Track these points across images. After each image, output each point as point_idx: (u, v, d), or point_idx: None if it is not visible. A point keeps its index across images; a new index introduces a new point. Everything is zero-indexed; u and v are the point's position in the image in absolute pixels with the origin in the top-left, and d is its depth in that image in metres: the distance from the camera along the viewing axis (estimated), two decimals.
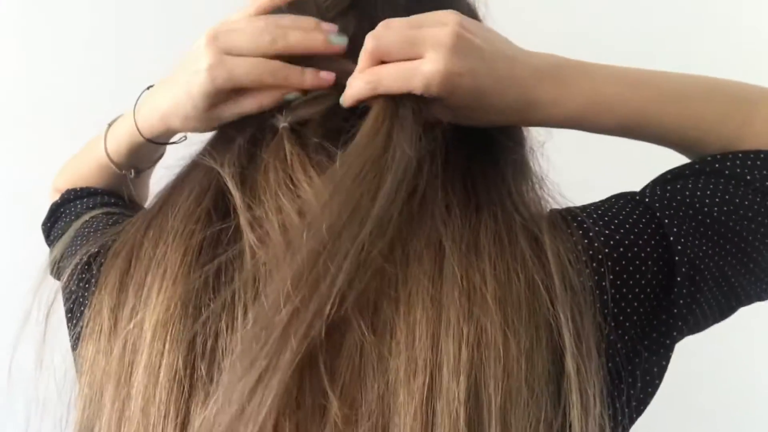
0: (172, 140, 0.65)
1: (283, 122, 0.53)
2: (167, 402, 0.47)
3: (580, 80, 0.54)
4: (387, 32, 0.51)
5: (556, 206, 0.55)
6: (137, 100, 0.63)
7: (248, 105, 0.54)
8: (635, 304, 0.49)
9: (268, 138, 0.54)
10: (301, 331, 0.43)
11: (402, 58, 0.50)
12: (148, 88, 0.63)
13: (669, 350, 0.52)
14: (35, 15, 1.24)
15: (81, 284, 0.56)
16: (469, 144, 0.55)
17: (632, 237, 0.50)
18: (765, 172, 0.53)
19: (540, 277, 0.47)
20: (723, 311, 0.54)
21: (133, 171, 0.69)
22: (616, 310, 0.49)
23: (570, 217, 0.52)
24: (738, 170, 0.53)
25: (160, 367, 0.47)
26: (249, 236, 0.49)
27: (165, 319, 0.48)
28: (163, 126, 0.59)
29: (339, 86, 0.54)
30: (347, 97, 0.53)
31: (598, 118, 0.54)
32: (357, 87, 0.52)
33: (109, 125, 0.68)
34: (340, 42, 0.53)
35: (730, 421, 1.35)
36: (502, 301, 0.46)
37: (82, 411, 0.51)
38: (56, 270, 0.60)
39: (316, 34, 0.53)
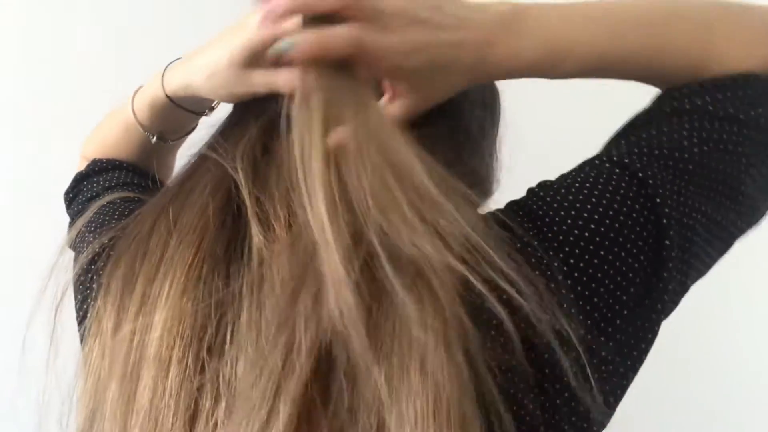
0: (190, 108, 0.63)
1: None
2: (177, 397, 0.46)
3: (535, 28, 0.52)
4: None
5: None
6: (169, 64, 0.62)
7: (282, 79, 0.52)
8: (624, 279, 0.48)
9: (284, 128, 0.51)
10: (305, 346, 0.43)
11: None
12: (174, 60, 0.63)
13: (668, 308, 0.50)
14: (35, 15, 1.25)
15: (89, 279, 0.56)
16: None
17: (619, 205, 0.48)
18: (731, 99, 0.52)
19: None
20: (721, 249, 0.53)
21: (155, 136, 0.68)
22: (597, 296, 0.47)
23: (515, 214, 0.50)
24: (707, 104, 0.51)
25: (169, 363, 0.47)
26: (256, 233, 0.48)
27: (174, 315, 0.48)
28: (185, 80, 0.58)
29: None
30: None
31: (557, 65, 0.53)
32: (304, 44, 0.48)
33: (140, 87, 0.67)
34: None
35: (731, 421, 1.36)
36: None
37: (85, 407, 0.50)
38: (75, 253, 0.60)
39: None
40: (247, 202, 0.49)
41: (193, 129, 0.70)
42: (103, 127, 0.74)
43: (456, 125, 0.59)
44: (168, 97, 0.62)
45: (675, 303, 0.51)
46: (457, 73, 0.52)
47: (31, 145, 1.24)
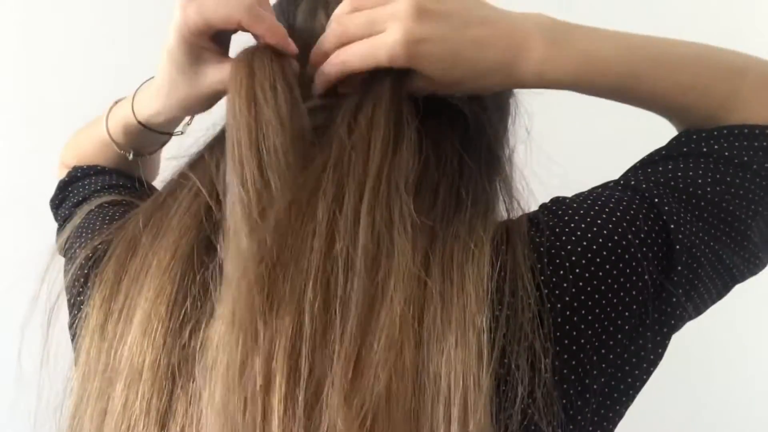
0: (163, 130, 0.64)
1: None
2: (149, 400, 0.47)
3: (573, 40, 0.53)
4: (349, 15, 0.52)
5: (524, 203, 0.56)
6: (140, 86, 0.63)
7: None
8: (628, 297, 0.49)
9: None
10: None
11: (364, 37, 0.51)
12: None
13: (666, 338, 0.51)
14: (35, 15, 1.24)
15: (78, 284, 0.56)
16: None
17: (629, 225, 0.50)
18: (748, 149, 0.54)
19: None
20: (720, 292, 0.54)
21: (131, 153, 0.68)
22: (598, 309, 0.48)
23: (532, 224, 0.51)
24: (724, 150, 0.53)
25: (143, 366, 0.47)
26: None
27: (148, 319, 0.48)
28: (153, 107, 0.59)
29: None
30: (319, 84, 0.54)
31: (592, 79, 0.54)
32: (326, 70, 0.53)
33: (115, 102, 0.67)
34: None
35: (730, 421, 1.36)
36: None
37: (74, 407, 0.51)
38: (65, 261, 0.61)
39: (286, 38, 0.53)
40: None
41: (168, 140, 0.70)
42: (80, 138, 0.74)
43: (456, 114, 0.59)
44: (140, 123, 0.62)
45: (674, 331, 0.52)
46: (482, 70, 0.52)
47: (31, 145, 1.23)
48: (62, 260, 0.61)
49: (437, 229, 0.49)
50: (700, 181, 0.52)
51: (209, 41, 0.53)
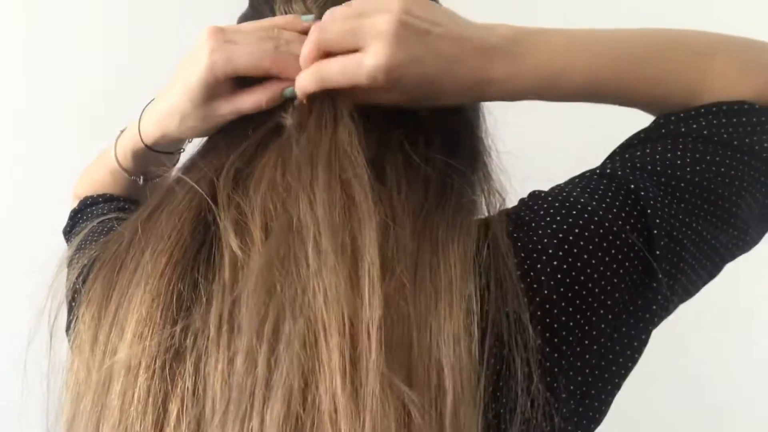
0: (171, 150, 0.66)
1: (289, 120, 0.54)
2: (144, 403, 0.47)
3: (534, 52, 0.53)
4: (331, 24, 0.52)
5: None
6: (144, 108, 0.64)
7: (247, 102, 0.55)
8: (609, 286, 0.49)
9: (272, 138, 0.54)
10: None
11: (345, 50, 0.51)
12: (152, 101, 0.64)
13: (650, 323, 0.51)
14: (36, 15, 1.25)
15: (75, 295, 0.56)
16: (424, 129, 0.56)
17: (605, 213, 0.49)
18: (726, 126, 0.53)
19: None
20: (710, 272, 0.54)
21: (142, 177, 0.70)
22: (580, 299, 0.48)
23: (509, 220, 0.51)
24: (702, 129, 0.53)
25: (138, 370, 0.47)
26: (231, 238, 0.49)
27: (143, 322, 0.48)
28: (160, 130, 0.60)
29: None
30: (298, 92, 0.54)
31: (555, 88, 0.54)
32: (304, 81, 0.53)
33: (121, 132, 0.69)
34: None
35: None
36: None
37: (66, 415, 0.51)
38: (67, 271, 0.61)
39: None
40: (222, 211, 0.50)
41: (178, 160, 0.71)
42: (91, 171, 0.76)
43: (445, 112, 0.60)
44: (148, 147, 0.64)
45: (659, 318, 0.52)
46: (452, 89, 0.53)
47: (29, 149, 1.23)
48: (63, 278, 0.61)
49: (418, 225, 0.50)
50: (678, 162, 0.52)
51: (230, 81, 0.54)
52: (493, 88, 0.53)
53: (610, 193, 0.50)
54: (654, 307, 0.50)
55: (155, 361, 0.47)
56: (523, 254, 0.49)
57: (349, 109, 0.53)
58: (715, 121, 0.53)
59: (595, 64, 0.54)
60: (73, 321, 0.54)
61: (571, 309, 0.48)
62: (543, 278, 0.48)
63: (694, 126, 0.54)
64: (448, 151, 0.56)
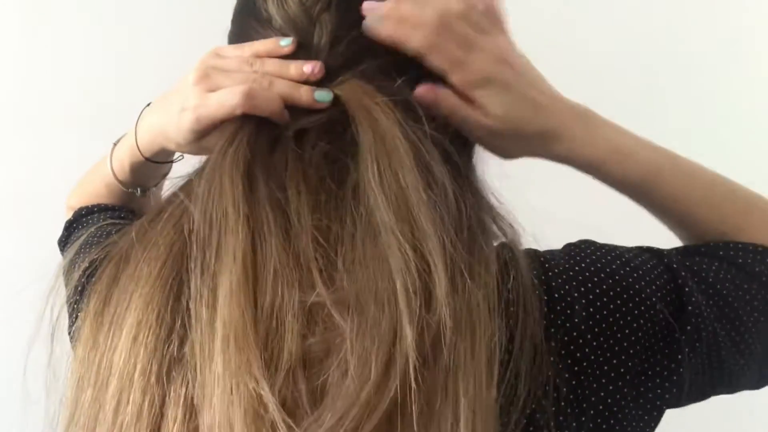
0: (171, 159, 0.66)
1: (287, 131, 0.53)
2: (140, 406, 0.47)
3: (606, 128, 0.57)
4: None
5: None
6: (138, 117, 0.64)
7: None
8: (638, 345, 0.50)
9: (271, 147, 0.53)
10: None
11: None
12: (148, 105, 0.64)
13: (659, 408, 0.51)
14: (36, 15, 1.25)
15: (76, 295, 0.57)
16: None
17: (647, 281, 0.51)
18: (759, 263, 0.57)
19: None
20: (704, 390, 0.55)
21: (139, 189, 0.70)
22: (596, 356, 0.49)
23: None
24: (737, 257, 0.57)
25: (134, 373, 0.47)
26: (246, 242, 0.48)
27: (139, 325, 0.48)
28: (159, 146, 0.62)
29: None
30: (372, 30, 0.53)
31: (617, 167, 0.57)
32: (385, 29, 0.53)
33: (115, 144, 0.69)
34: (324, 99, 0.53)
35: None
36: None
37: (65, 418, 0.51)
38: (66, 277, 0.61)
39: (302, 91, 0.53)
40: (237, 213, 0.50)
41: (169, 170, 0.72)
42: (84, 183, 0.76)
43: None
44: (147, 159, 0.65)
45: (665, 401, 0.52)
46: (528, 134, 0.55)
47: (29, 150, 1.24)
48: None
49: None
50: (721, 282, 0.55)
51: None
52: (563, 145, 0.56)
53: (656, 272, 0.53)
54: (668, 384, 0.51)
55: (151, 362, 0.47)
56: (556, 295, 0.49)
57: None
58: (751, 255, 0.57)
59: (656, 159, 0.59)
60: (75, 323, 0.55)
61: (599, 352, 0.49)
62: (570, 324, 0.49)
63: (731, 253, 0.57)
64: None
